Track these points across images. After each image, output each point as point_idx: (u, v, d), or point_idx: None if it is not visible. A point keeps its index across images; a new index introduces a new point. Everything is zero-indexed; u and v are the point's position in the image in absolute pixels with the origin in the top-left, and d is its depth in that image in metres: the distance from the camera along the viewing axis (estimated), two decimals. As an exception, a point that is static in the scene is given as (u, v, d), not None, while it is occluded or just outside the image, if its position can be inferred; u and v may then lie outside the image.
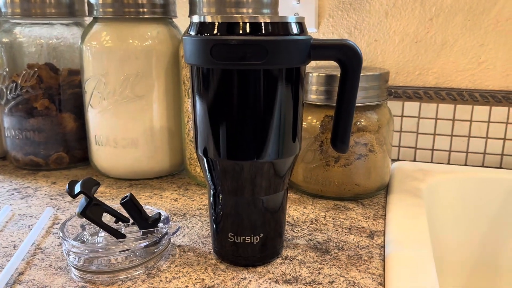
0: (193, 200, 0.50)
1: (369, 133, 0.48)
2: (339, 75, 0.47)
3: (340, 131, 0.35)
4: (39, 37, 0.57)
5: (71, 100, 0.59)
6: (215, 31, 0.31)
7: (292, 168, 0.36)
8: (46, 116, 0.58)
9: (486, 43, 0.59)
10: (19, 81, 0.57)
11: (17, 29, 0.57)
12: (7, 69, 0.57)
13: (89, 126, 0.56)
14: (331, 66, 0.57)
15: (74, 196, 0.34)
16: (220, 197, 0.36)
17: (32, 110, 0.58)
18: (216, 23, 0.31)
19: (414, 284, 0.33)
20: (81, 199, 0.36)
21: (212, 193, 0.36)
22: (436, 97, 0.62)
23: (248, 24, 0.30)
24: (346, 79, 0.34)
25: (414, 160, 0.64)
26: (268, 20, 0.31)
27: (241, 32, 0.31)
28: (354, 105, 0.35)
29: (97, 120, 0.54)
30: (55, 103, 0.58)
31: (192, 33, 0.33)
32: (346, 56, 0.33)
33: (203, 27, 0.32)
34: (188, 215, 0.46)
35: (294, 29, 0.32)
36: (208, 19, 0.31)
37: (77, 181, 0.36)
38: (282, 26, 0.31)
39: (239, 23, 0.31)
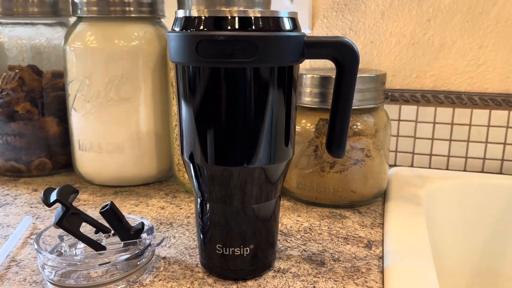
0: (181, 208, 0.47)
1: (366, 137, 0.46)
2: (334, 76, 0.46)
3: (336, 135, 0.33)
4: (21, 37, 0.55)
5: (54, 103, 0.57)
6: (201, 27, 0.29)
7: (285, 174, 0.34)
8: (28, 120, 0.55)
9: (485, 44, 0.58)
10: (0, 83, 0.54)
11: (-2, 29, 0.55)
12: (-13, 71, 0.55)
13: (73, 131, 0.53)
14: (326, 68, 0.55)
15: (49, 204, 0.32)
16: (208, 205, 0.33)
17: (13, 113, 0.55)
18: (203, 17, 0.29)
19: (416, 299, 0.31)
20: (58, 208, 0.33)
21: (199, 201, 0.34)
22: (434, 101, 0.60)
23: (237, 19, 0.28)
24: (342, 79, 0.32)
25: (412, 166, 0.62)
26: (258, 15, 0.28)
27: (229, 27, 0.28)
28: (351, 106, 0.32)
29: (80, 124, 0.52)
30: (38, 107, 0.56)
31: (177, 29, 0.30)
32: (342, 54, 0.31)
33: (188, 22, 0.30)
34: (175, 224, 0.44)
35: (287, 25, 0.30)
36: (194, 13, 0.29)
37: (54, 189, 0.33)
38: (273, 22, 0.29)
39: (227, 17, 0.28)
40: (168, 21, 0.56)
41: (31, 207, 0.47)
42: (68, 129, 0.56)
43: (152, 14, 0.52)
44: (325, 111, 0.46)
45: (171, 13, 0.55)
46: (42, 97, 0.56)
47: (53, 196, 0.32)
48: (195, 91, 0.31)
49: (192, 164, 0.33)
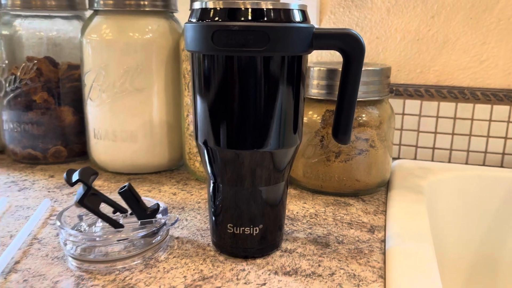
0: (192, 195, 0.50)
1: (370, 128, 0.48)
2: (340, 69, 0.47)
3: (342, 122, 0.35)
4: (39, 30, 0.57)
5: (70, 93, 0.59)
6: (217, 18, 0.31)
7: (292, 159, 0.36)
8: (45, 109, 0.57)
9: (488, 41, 0.59)
10: (18, 74, 0.57)
11: (17, 22, 0.57)
12: (7, 62, 0.57)
13: (88, 119, 0.56)
14: (332, 62, 0.57)
15: (72, 184, 0.34)
16: (220, 187, 0.35)
17: (31, 103, 0.57)
18: (218, 9, 0.31)
19: (415, 277, 0.33)
20: (79, 188, 0.35)
21: (211, 184, 0.36)
22: (437, 95, 0.62)
23: (250, 10, 0.30)
24: (348, 69, 0.34)
25: (415, 159, 0.64)
26: (270, 6, 0.30)
27: (242, 18, 0.30)
28: (356, 95, 0.34)
29: (96, 113, 0.54)
30: (54, 97, 0.58)
31: (194, 19, 0.32)
32: (349, 45, 0.33)
33: (204, 13, 0.32)
34: (186, 209, 0.46)
35: (297, 16, 0.32)
36: (210, 5, 0.31)
37: (75, 170, 0.36)
38: (284, 13, 0.31)
39: (241, 8, 0.30)
40: (180, 16, 0.58)
41: (49, 191, 0.50)
42: (83, 119, 0.58)
43: (165, 8, 0.54)
44: (332, 102, 0.48)
45: (183, 8, 0.57)
46: (58, 87, 0.58)
47: (75, 176, 0.34)
48: (210, 79, 0.33)
49: (206, 148, 0.35)
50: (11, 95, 0.57)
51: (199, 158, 0.53)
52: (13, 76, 0.57)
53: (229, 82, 0.32)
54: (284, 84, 0.32)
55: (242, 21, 0.30)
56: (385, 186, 0.52)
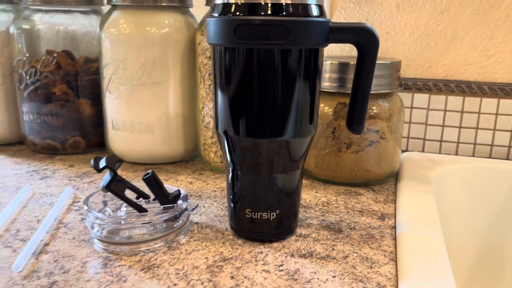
0: (207, 184, 0.51)
1: (381, 120, 0.49)
2: (352, 63, 0.49)
3: (356, 113, 0.37)
4: (58, 24, 0.59)
5: (88, 86, 0.61)
6: (238, 12, 0.33)
7: (307, 149, 0.38)
8: (64, 101, 0.59)
9: (495, 36, 0.61)
10: (39, 67, 0.58)
11: (37, 16, 0.59)
12: (27, 55, 0.59)
13: (106, 111, 0.57)
14: (343, 56, 0.58)
15: (99, 170, 0.36)
16: (239, 175, 0.37)
17: (51, 95, 0.59)
18: (239, 3, 0.32)
19: (426, 260, 0.34)
20: (105, 175, 0.37)
21: (230, 171, 0.38)
22: (445, 89, 0.63)
23: (270, 5, 0.32)
24: (363, 62, 0.35)
25: (423, 151, 0.66)
26: (289, 1, 0.32)
27: (263, 12, 0.32)
28: (370, 87, 0.36)
29: (114, 105, 0.56)
30: (73, 89, 0.60)
31: (215, 14, 0.34)
32: (364, 39, 0.34)
33: (226, 8, 0.33)
34: (203, 196, 0.47)
35: (314, 11, 0.33)
36: (232, 0, 0.33)
37: (101, 157, 0.37)
38: (302, 8, 0.32)
39: (261, 3, 0.32)
40: (195, 11, 0.60)
41: (70, 180, 0.52)
42: (101, 111, 0.60)
43: (181, 4, 0.56)
44: (343, 95, 0.50)
45: (198, 3, 0.59)
46: (76, 80, 0.60)
47: (102, 163, 0.36)
48: (230, 71, 0.34)
49: (226, 137, 0.36)
50: (32, 87, 0.59)
51: (213, 149, 0.55)
52: (34, 69, 0.59)
53: (249, 74, 0.34)
54: (301, 76, 0.34)
55: (263, 15, 0.32)
56: (394, 177, 0.54)
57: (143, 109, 0.55)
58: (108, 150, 0.60)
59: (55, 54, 0.58)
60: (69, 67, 0.60)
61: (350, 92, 0.49)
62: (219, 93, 0.36)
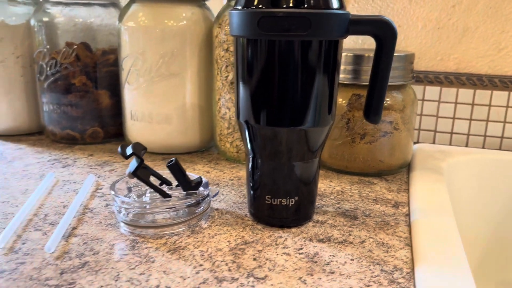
0: (224, 173, 0.53)
1: (395, 111, 0.50)
2: (366, 55, 0.50)
3: (373, 104, 0.38)
4: (78, 17, 0.60)
5: (106, 78, 0.62)
6: (261, 5, 0.34)
7: (325, 138, 0.39)
8: (84, 92, 0.61)
9: (507, 30, 0.61)
10: (59, 58, 0.60)
11: (57, 9, 0.60)
12: (48, 47, 0.60)
13: (125, 102, 0.59)
14: (357, 49, 0.60)
15: (126, 157, 0.37)
16: (259, 163, 0.39)
17: (70, 86, 0.61)
18: (264, -3, 0.34)
19: (440, 245, 0.36)
20: (131, 162, 0.39)
21: (251, 159, 0.39)
22: (456, 82, 0.64)
23: (293, -2, 0.33)
24: (381, 54, 0.36)
25: (434, 143, 0.67)
26: (311, -5, 0.33)
27: (285, 5, 0.33)
28: (388, 78, 0.37)
29: (133, 97, 0.57)
30: (92, 81, 0.61)
31: (239, 7, 0.35)
32: (382, 31, 0.35)
33: (249, 1, 0.34)
34: (221, 185, 0.49)
35: (335, 3, 0.34)
36: (256, -7, 0.34)
37: (128, 145, 0.39)
38: (323, 0, 0.34)
39: (284, -3, 0.33)
40: (211, 4, 0.61)
41: (91, 168, 0.53)
42: (119, 102, 0.62)
43: (198, -3, 0.57)
44: (357, 87, 0.51)
45: (214, -4, 0.60)
46: (95, 72, 0.61)
47: (129, 150, 0.37)
48: (253, 62, 0.36)
49: (247, 126, 0.38)
50: (52, 78, 0.61)
51: (229, 139, 0.56)
52: (54, 61, 0.60)
53: (271, 65, 0.35)
54: (321, 67, 0.35)
55: (285, 7, 0.33)
56: (407, 167, 0.55)
57: (161, 100, 0.56)
58: (126, 141, 0.62)
59: (75, 46, 0.60)
60: (88, 59, 0.61)
61: (364, 83, 0.50)
62: (241, 84, 0.37)
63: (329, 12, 0.33)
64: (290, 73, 0.35)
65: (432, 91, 0.65)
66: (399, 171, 0.54)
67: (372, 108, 0.38)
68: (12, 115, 0.66)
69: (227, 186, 0.49)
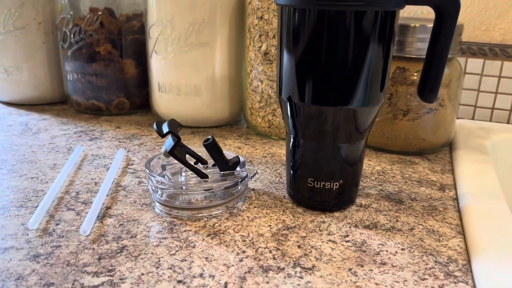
0: (256, 149, 0.51)
1: (441, 87, 0.47)
2: (412, 24, 0.46)
3: (429, 80, 0.35)
4: (101, -20, 0.57)
5: (132, 46, 0.59)
6: (313, -29, 0.30)
7: (375, 118, 0.36)
8: (109, 61, 0.58)
9: (562, -3, 0.57)
10: (83, 25, 0.57)
11: (80, -28, 0.57)
12: (71, 13, 0.58)
13: (152, 73, 0.56)
14: (402, 17, 0.56)
15: (163, 135, 0.35)
16: (301, 142, 0.36)
17: (95, 54, 0.58)
18: (317, -38, 0.30)
19: (496, 234, 0.33)
20: (167, 139, 0.37)
21: (292, 138, 0.37)
22: (501, 54, 0.60)
23: (350, -37, 0.30)
24: (441, 26, 0.33)
25: (473, 119, 0.63)
26: (371, -40, 0.30)
27: (340, -28, 0.30)
28: (447, 53, 0.34)
29: (160, 67, 0.55)
30: (117, 49, 0.59)
31: (287, -28, 0.32)
32: (445, 1, 0.32)
33: (300, -34, 0.31)
34: (255, 162, 0.47)
35: (395, -30, 0.31)
36: (307, -43, 0.31)
37: (163, 122, 0.37)
38: (383, -33, 0.30)
39: (341, -38, 0.30)
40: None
41: (119, 142, 0.51)
42: (145, 72, 0.59)
43: (230, -40, 0.53)
44: (402, 59, 0.47)
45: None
46: (120, 39, 0.59)
47: (165, 128, 0.35)
48: (300, 33, 0.32)
49: (290, 103, 0.35)
50: (76, 46, 0.58)
51: (261, 114, 0.53)
52: (78, 28, 0.57)
53: (320, 37, 0.32)
54: (375, 40, 0.32)
55: (340, -26, 0.30)
56: (448, 146, 0.52)
57: (190, 71, 0.54)
58: (152, 112, 0.60)
59: (99, 13, 0.57)
60: (112, 25, 0.58)
61: (408, 56, 0.47)
62: (285, 57, 0.34)
63: (389, -20, 0.30)
64: (341, 46, 0.32)
65: (474, 63, 0.61)
66: (441, 150, 0.51)
67: (428, 85, 0.35)
68: (34, 84, 0.64)
69: (261, 163, 0.46)
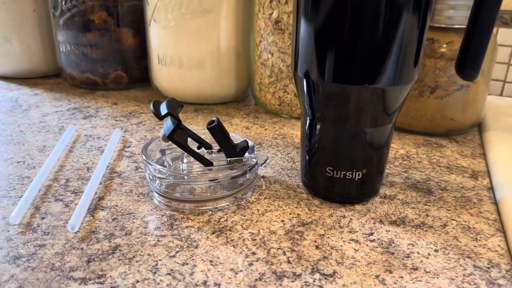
0: (265, 129, 0.46)
1: (474, 61, 0.42)
2: (445, -10, 0.41)
3: (471, 55, 0.30)
4: None
5: (129, 13, 0.54)
6: None
7: (405, 99, 0.31)
8: (104, 30, 0.53)
9: None
10: (75, -10, 0.52)
11: None
12: (61, -24, 0.52)
13: (151, 43, 0.51)
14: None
15: (161, 118, 0.30)
16: (319, 126, 0.32)
17: (89, 23, 0.53)
18: None
19: (542, 233, 0.29)
20: (166, 121, 0.32)
21: (308, 121, 0.32)
22: (537, 24, 0.54)
23: None
24: (489, -10, 0.28)
25: (501, 95, 0.58)
26: None
27: None
28: (494, 22, 0.29)
29: (160, 37, 0.50)
30: (113, 17, 0.53)
31: None
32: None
33: None
34: (264, 145, 0.42)
35: None
36: None
37: (161, 102, 0.32)
38: None
39: None
40: None
41: (116, 120, 0.47)
42: (143, 42, 0.54)
43: None
44: (430, 29, 0.42)
45: None
46: (116, 6, 0.53)
47: (164, 109, 0.31)
48: (319, 2, 0.27)
49: (307, 80, 0.30)
50: (68, 14, 0.53)
51: (271, 90, 0.49)
52: (69, -7, 0.52)
53: (344, 4, 0.27)
54: (409, 6, 0.27)
55: None
56: (477, 126, 0.47)
57: (193, 42, 0.49)
58: (152, 87, 0.55)
59: (92, -24, 0.51)
60: (107, -9, 0.53)
61: (437, 25, 0.41)
62: (302, 27, 0.29)
63: None
64: (369, 14, 0.27)
65: (506, 34, 0.55)
66: (470, 131, 0.46)
67: (468, 61, 0.30)
68: (27, 56, 0.59)
69: (271, 146, 0.42)
